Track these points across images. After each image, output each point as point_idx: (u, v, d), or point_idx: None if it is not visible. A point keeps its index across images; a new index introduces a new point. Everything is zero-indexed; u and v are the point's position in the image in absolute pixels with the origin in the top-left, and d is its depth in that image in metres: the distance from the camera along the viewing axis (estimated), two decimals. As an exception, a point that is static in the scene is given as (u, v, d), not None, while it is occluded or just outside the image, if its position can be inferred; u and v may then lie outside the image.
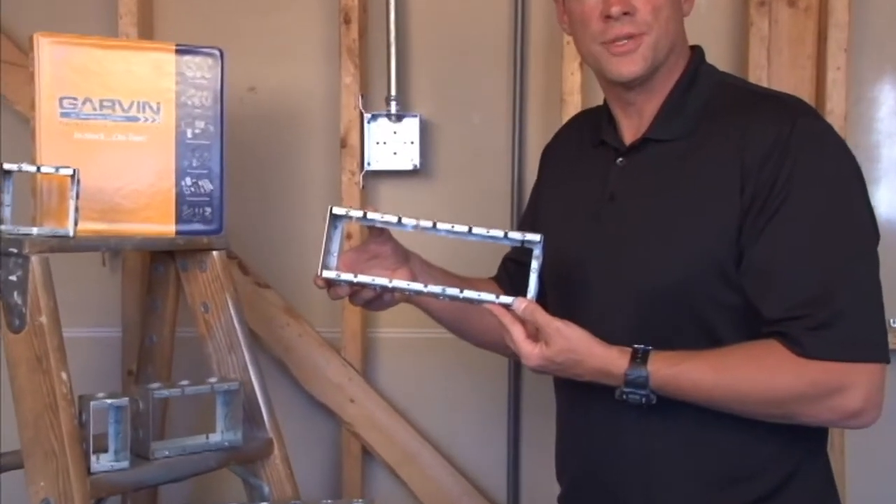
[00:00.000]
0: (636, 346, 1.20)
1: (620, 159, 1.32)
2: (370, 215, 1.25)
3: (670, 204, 1.25)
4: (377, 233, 1.30)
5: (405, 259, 1.35)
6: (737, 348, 1.20)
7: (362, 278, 1.26)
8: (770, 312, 1.19)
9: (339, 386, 1.99)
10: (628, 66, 1.26)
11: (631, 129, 1.33)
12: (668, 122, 1.29)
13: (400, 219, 1.24)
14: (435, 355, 2.01)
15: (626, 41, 1.26)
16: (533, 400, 2.00)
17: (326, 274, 1.26)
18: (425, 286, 1.24)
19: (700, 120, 1.27)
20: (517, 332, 1.21)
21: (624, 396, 1.20)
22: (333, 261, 1.28)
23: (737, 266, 1.21)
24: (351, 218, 1.25)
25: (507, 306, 1.22)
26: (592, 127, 1.40)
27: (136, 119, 1.47)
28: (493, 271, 1.54)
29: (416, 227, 1.23)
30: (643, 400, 1.19)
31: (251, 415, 1.51)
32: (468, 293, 1.22)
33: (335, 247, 1.27)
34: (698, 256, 1.22)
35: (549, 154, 1.52)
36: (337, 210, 1.25)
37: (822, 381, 1.16)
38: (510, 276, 1.50)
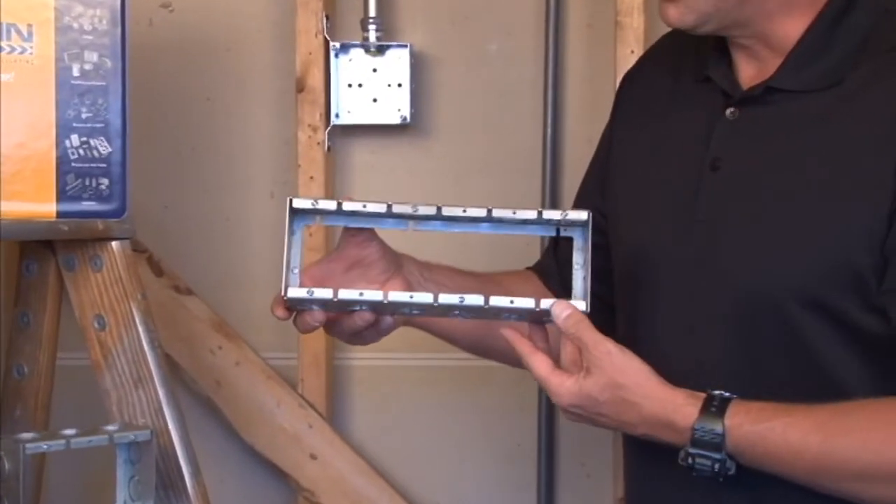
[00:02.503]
0: (711, 391, 1.20)
1: (731, 110, 1.32)
2: (347, 206, 1.24)
3: (797, 181, 1.25)
4: (354, 230, 1.31)
5: (397, 265, 1.35)
6: (857, 405, 1.20)
7: (345, 294, 1.24)
8: None
9: (294, 436, 2.00)
10: (672, 14, 1.27)
11: (750, 67, 1.32)
12: (804, 66, 1.28)
13: (390, 206, 1.22)
14: (432, 391, 2.03)
15: None
16: (575, 452, 2.00)
17: (293, 293, 1.24)
18: (435, 298, 1.23)
19: (852, 66, 1.26)
20: (539, 364, 1.23)
21: (689, 461, 1.19)
22: (296, 280, 1.27)
23: (879, 279, 1.20)
24: (320, 213, 1.24)
25: (541, 317, 1.23)
26: (697, 52, 1.38)
27: (-3, 49, 1.49)
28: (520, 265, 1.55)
29: (412, 216, 1.24)
30: (715, 468, 1.18)
31: (167, 477, 1.50)
32: (497, 300, 1.22)
33: (297, 258, 1.26)
34: (830, 259, 1.22)
35: (630, 86, 1.51)
36: (299, 203, 1.23)
37: None
38: (561, 266, 1.45)
